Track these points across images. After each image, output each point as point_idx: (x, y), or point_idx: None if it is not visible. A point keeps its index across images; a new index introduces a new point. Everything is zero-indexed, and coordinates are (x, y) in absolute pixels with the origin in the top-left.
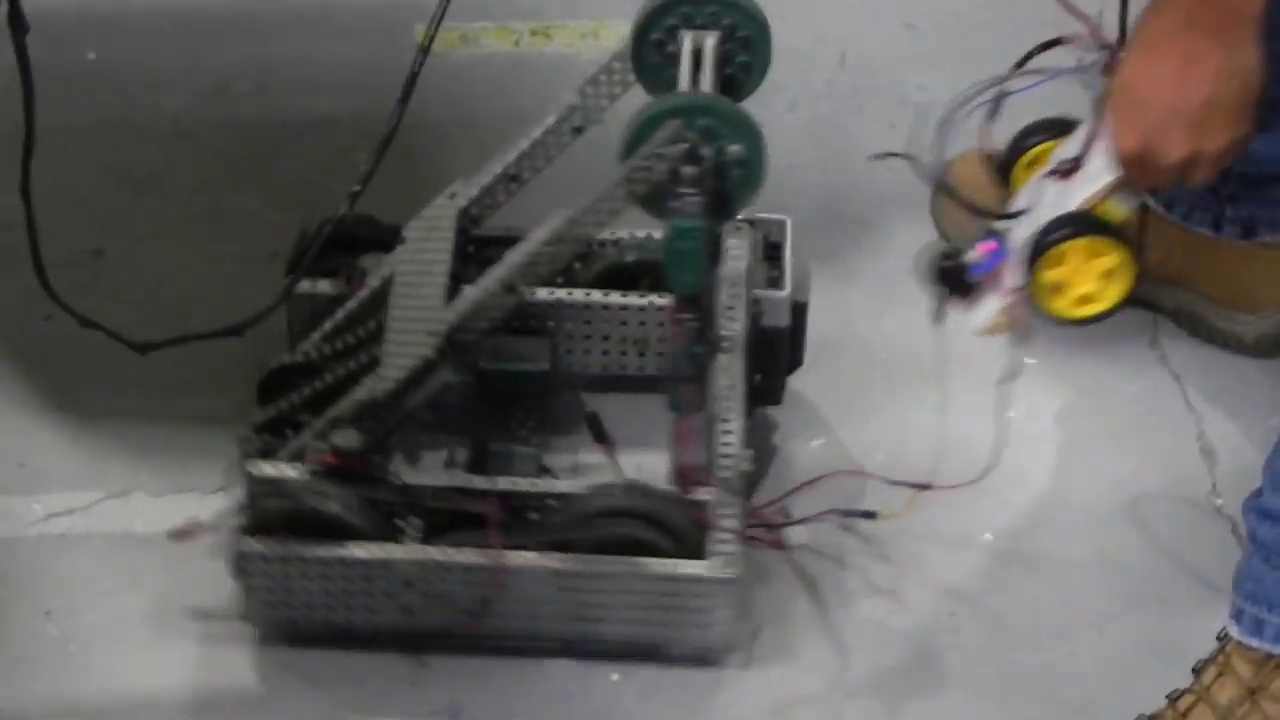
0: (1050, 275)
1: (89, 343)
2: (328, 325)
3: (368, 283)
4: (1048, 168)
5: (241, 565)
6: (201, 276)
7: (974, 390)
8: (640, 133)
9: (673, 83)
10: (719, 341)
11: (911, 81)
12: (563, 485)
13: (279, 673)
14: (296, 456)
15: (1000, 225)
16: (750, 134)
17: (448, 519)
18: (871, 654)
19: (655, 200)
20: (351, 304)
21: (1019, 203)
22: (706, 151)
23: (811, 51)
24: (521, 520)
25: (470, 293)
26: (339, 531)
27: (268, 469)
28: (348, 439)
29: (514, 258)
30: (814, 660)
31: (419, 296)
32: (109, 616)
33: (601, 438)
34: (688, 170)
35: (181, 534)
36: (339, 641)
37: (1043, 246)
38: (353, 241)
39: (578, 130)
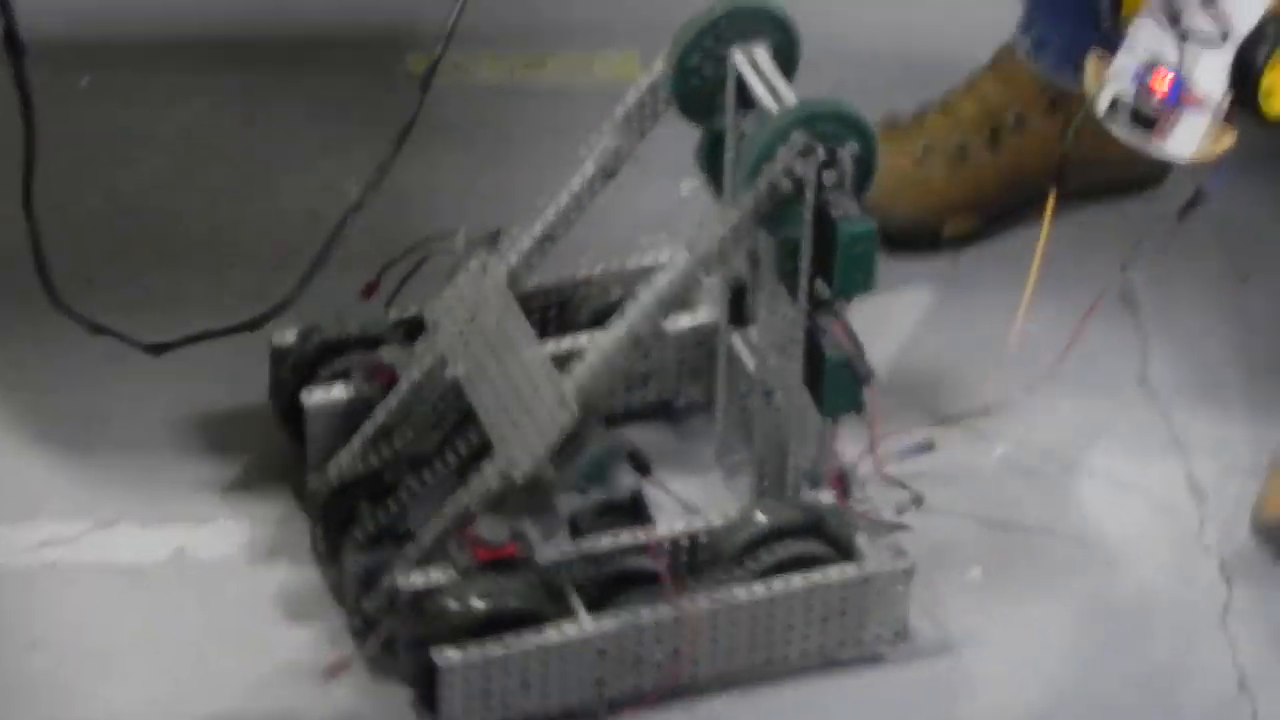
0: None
1: (90, 361)
2: (369, 429)
3: (405, 376)
4: None
5: (444, 678)
6: (206, 290)
7: None
8: (769, 149)
9: (713, 105)
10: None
11: None
12: (714, 518)
13: None
14: (425, 561)
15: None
16: (864, 130)
17: (609, 578)
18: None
19: (775, 217)
20: (393, 401)
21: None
22: (842, 153)
23: None
24: (679, 561)
25: (597, 350)
26: (517, 622)
27: (420, 579)
28: (495, 531)
29: (641, 305)
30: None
31: (513, 371)
32: (97, 647)
33: (644, 469)
34: (829, 175)
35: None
36: None
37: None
38: (341, 345)
39: (610, 175)
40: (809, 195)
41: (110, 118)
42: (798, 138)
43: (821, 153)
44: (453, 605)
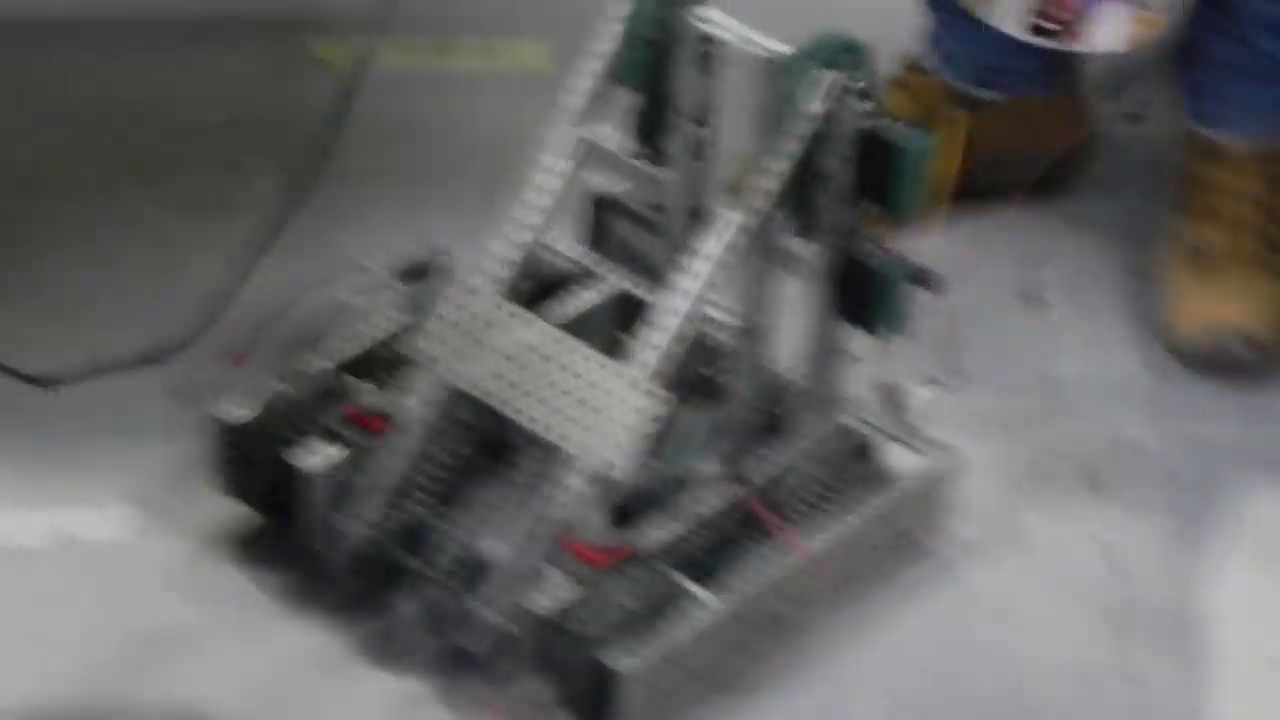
0: None
1: None
2: (389, 479)
3: (409, 418)
4: None
5: (625, 686)
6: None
7: None
8: (805, 92)
9: (656, 70)
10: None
11: None
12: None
13: None
14: (522, 584)
15: None
16: (869, 56)
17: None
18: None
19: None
20: (408, 445)
21: None
22: (872, 80)
23: None
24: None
25: (662, 330)
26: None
27: (550, 601)
28: (610, 536)
29: (696, 273)
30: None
31: (560, 377)
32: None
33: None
34: (866, 104)
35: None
36: None
37: None
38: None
39: (580, 167)
40: (847, 128)
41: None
42: (831, 75)
43: (857, 83)
44: (607, 614)
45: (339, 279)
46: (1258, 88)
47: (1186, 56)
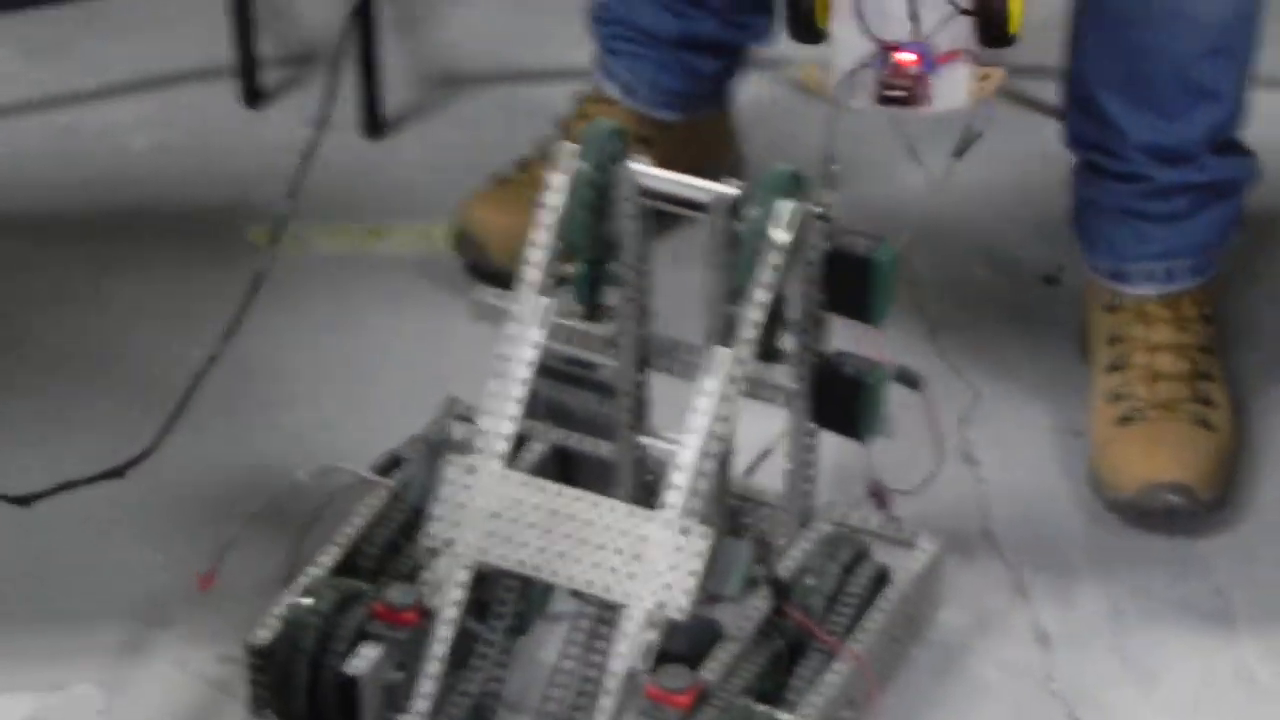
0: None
1: None
2: (434, 668)
3: (445, 607)
4: None
5: None
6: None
7: None
8: (762, 230)
9: (593, 234)
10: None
11: None
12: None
13: None
14: None
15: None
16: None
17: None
18: None
19: None
20: (448, 633)
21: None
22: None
23: None
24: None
25: (686, 469)
26: None
27: None
28: (679, 676)
29: (704, 412)
30: None
31: (592, 535)
32: None
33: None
34: (823, 225)
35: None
36: None
37: None
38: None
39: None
40: (814, 250)
41: None
42: (792, 204)
43: (816, 209)
44: None
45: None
46: (1149, 229)
47: (1080, 210)
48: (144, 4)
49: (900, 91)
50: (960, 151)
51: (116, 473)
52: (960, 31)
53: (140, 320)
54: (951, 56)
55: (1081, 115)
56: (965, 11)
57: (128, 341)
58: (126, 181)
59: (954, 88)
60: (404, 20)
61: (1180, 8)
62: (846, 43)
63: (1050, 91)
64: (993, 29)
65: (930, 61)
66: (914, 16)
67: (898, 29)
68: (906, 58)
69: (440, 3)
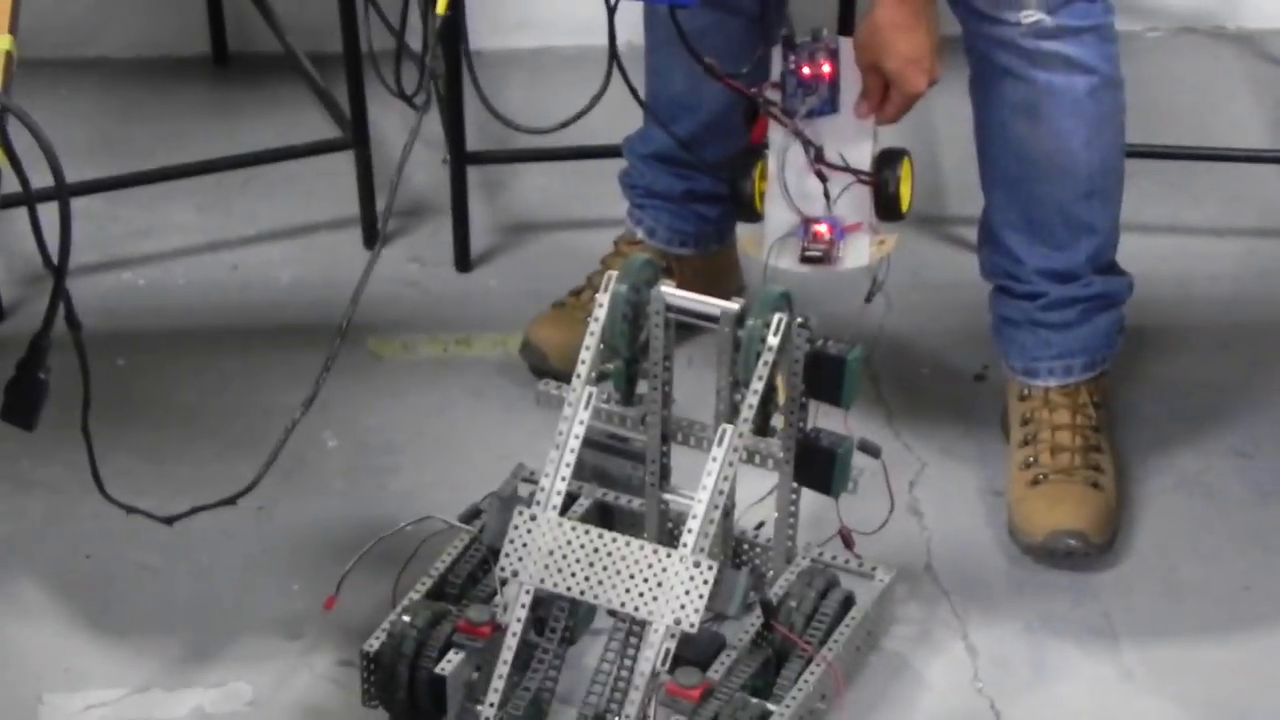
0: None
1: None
2: (503, 669)
3: (513, 620)
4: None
5: None
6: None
7: None
8: (760, 339)
9: (630, 341)
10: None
11: None
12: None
13: None
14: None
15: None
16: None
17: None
18: None
19: None
20: (514, 642)
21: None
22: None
23: None
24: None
25: (700, 519)
26: None
27: None
28: (691, 675)
29: (718, 468)
30: None
31: (625, 568)
32: None
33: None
34: (805, 331)
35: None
36: None
37: (892, 175)
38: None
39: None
40: (800, 351)
41: (142, 389)
42: (785, 319)
43: (801, 320)
44: None
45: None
46: (1049, 334)
47: (997, 324)
48: (287, 170)
49: (817, 253)
50: (869, 298)
51: (229, 501)
52: (863, 207)
53: (284, 404)
54: (856, 227)
55: (992, 251)
56: (869, 183)
57: (274, 419)
58: (276, 306)
59: (859, 251)
60: (488, 183)
61: (1060, 164)
62: (776, 219)
63: (972, 234)
64: (888, 208)
65: (840, 231)
66: (827, 195)
67: (816, 207)
68: (821, 228)
69: (513, 170)
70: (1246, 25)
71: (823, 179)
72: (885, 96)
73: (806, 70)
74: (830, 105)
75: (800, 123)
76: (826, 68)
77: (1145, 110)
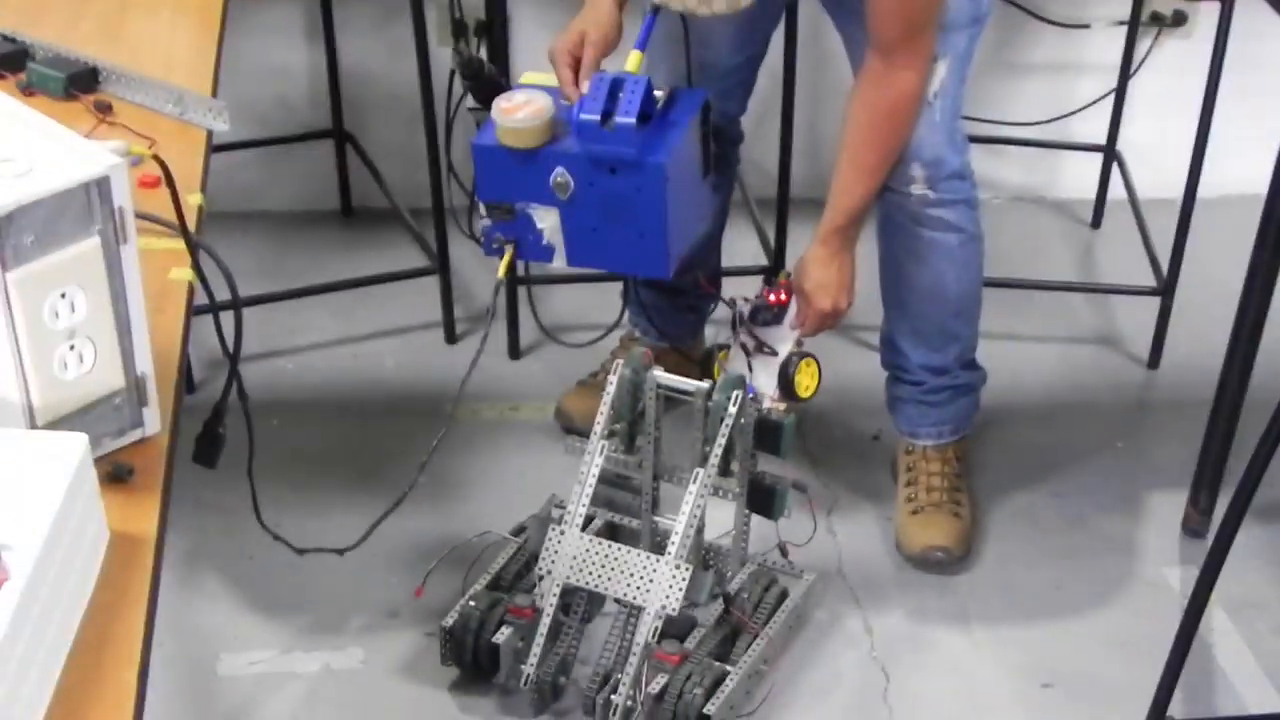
0: (801, 382)
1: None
2: (541, 641)
3: (545, 607)
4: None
5: None
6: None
7: None
8: (726, 409)
9: (633, 406)
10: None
11: None
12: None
13: None
14: (636, 680)
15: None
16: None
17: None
18: None
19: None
20: (546, 622)
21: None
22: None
23: None
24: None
25: (680, 536)
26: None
27: (656, 687)
28: (668, 646)
29: (690, 502)
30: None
31: (626, 569)
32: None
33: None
34: (755, 404)
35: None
36: None
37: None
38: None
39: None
40: (751, 417)
41: (290, 443)
42: (740, 395)
43: (752, 396)
44: (685, 687)
45: (474, 536)
46: (927, 409)
47: (890, 401)
48: (392, 289)
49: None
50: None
51: (356, 545)
52: (771, 381)
53: (387, 454)
54: (763, 395)
55: (888, 350)
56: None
57: (380, 462)
58: (384, 383)
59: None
60: (533, 298)
61: (937, 293)
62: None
63: (870, 338)
64: (789, 394)
65: (753, 391)
66: (750, 369)
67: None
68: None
69: (550, 290)
70: (1060, 195)
71: (748, 356)
72: (808, 314)
73: (772, 298)
74: (777, 320)
75: (754, 328)
76: (783, 296)
77: (990, 255)
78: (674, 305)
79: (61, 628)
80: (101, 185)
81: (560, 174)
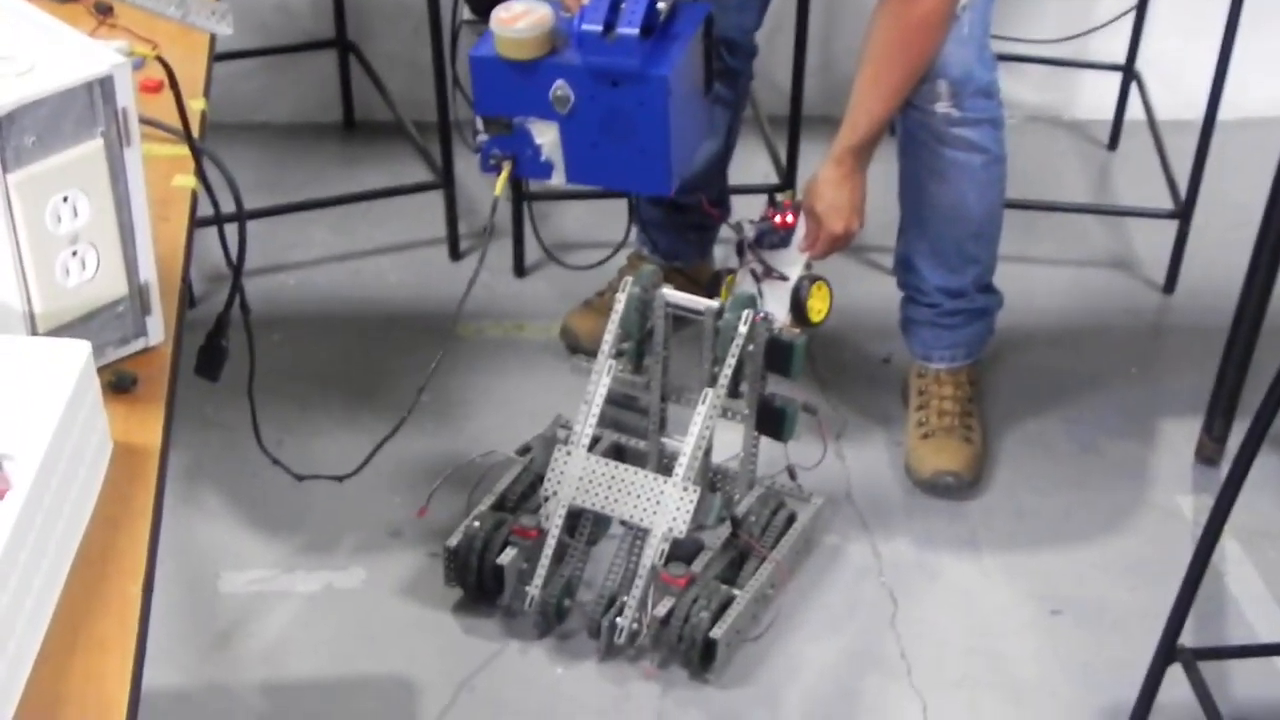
0: (813, 306)
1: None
2: (547, 562)
3: (551, 527)
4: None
5: (718, 648)
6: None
7: None
8: (737, 327)
9: (642, 324)
10: None
11: None
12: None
13: None
14: (643, 602)
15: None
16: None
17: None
18: None
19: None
20: (553, 542)
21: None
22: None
23: None
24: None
25: (687, 456)
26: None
27: (663, 610)
28: (679, 569)
29: (698, 423)
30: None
31: (634, 490)
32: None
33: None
34: (766, 323)
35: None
36: None
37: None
38: (486, 536)
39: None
40: (762, 337)
41: (291, 358)
42: (752, 314)
43: (761, 314)
44: (692, 610)
45: (478, 455)
46: (942, 332)
47: (904, 322)
48: (395, 204)
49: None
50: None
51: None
52: (783, 305)
53: (391, 368)
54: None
55: (905, 270)
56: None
57: (384, 378)
58: (385, 299)
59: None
60: (539, 215)
61: (957, 214)
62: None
63: (883, 259)
64: (801, 318)
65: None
66: (760, 295)
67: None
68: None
69: (556, 206)
70: (1077, 115)
71: (757, 282)
72: (818, 236)
73: (778, 220)
74: (784, 243)
75: (761, 252)
76: (790, 219)
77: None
78: (678, 223)
79: (64, 539)
80: (105, 85)
81: (560, 86)
